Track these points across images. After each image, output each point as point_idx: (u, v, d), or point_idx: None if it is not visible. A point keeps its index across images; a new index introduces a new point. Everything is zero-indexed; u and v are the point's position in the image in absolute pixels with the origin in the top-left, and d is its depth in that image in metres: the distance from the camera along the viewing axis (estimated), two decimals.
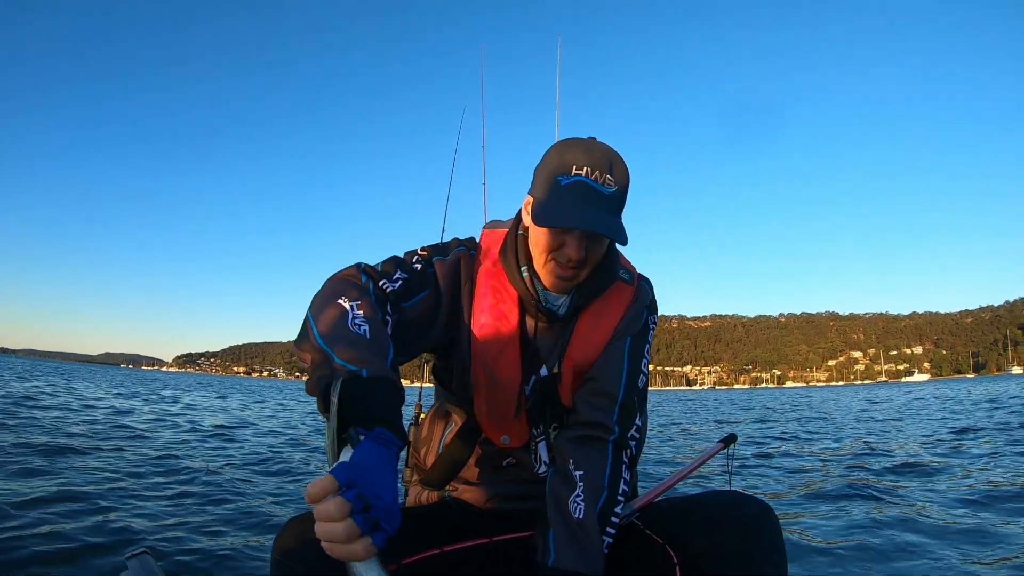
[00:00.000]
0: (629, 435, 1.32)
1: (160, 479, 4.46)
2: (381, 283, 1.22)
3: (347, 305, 1.09)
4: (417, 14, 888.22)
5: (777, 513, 1.17)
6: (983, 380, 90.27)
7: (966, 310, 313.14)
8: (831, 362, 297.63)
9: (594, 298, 1.37)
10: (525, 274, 1.32)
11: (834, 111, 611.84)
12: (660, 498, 1.40)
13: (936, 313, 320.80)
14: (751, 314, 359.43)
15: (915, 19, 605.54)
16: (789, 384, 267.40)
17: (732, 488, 1.80)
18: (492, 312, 1.33)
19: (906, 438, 8.56)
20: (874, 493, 4.55)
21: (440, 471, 1.40)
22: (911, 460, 6.15)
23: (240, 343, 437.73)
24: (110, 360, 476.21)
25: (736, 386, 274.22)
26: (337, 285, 1.15)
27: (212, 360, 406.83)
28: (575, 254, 1.23)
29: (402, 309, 1.24)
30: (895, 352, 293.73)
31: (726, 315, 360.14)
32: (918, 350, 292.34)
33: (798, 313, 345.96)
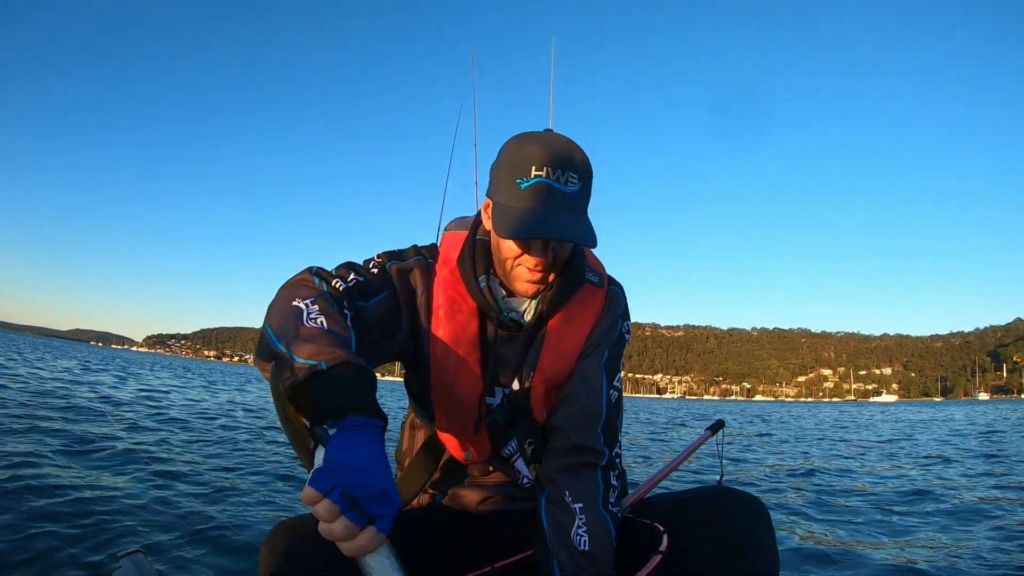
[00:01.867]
0: (614, 454, 1.29)
1: (151, 475, 4.33)
2: (335, 283, 1.15)
3: (301, 304, 1.02)
4: (413, 12, 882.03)
5: (769, 508, 1.17)
6: (950, 404, 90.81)
7: (936, 334, 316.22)
8: (801, 378, 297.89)
9: (561, 305, 1.29)
10: (483, 283, 1.26)
11: (816, 131, 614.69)
12: (652, 493, 1.39)
13: (907, 336, 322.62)
14: (724, 326, 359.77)
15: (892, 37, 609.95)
16: (759, 398, 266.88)
17: (723, 474, 1.84)
18: (450, 324, 1.26)
19: (897, 451, 8.75)
20: (867, 495, 4.65)
21: (406, 485, 1.38)
22: (903, 469, 6.49)
23: (212, 327, 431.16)
24: (79, 336, 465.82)
25: (706, 397, 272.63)
26: (289, 290, 1.10)
27: (183, 342, 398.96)
28: (542, 259, 1.16)
29: (358, 307, 1.17)
30: (864, 372, 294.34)
31: (699, 326, 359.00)
32: (887, 371, 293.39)
33: (771, 328, 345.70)
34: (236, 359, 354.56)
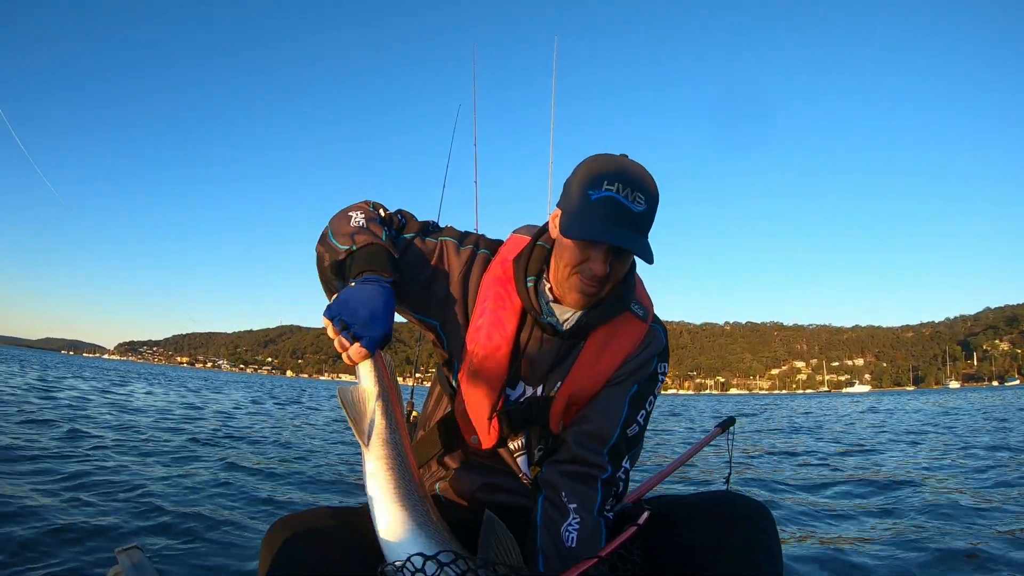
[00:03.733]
0: (618, 475, 1.31)
1: (149, 472, 4.41)
2: (382, 210, 1.40)
3: (351, 212, 1.34)
4: (414, 10, 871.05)
5: (774, 513, 1.16)
6: (922, 393, 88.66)
7: (907, 325, 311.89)
8: (774, 371, 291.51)
9: (601, 323, 1.34)
10: (531, 284, 1.32)
11: (785, 129, 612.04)
12: (655, 492, 1.39)
13: (878, 327, 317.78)
14: (697, 321, 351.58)
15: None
16: (733, 391, 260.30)
17: (731, 473, 1.79)
18: (492, 315, 1.33)
19: (903, 447, 8.24)
20: (873, 497, 4.48)
21: (418, 452, 1.44)
22: (906, 467, 6.15)
23: (184, 333, 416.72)
24: (50, 345, 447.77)
25: (680, 391, 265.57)
26: (349, 207, 1.37)
27: (155, 349, 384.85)
28: (600, 269, 1.22)
29: (394, 234, 1.38)
30: (837, 363, 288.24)
31: (672, 321, 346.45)
32: (859, 362, 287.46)
33: (743, 322, 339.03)
34: (209, 365, 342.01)
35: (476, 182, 2.77)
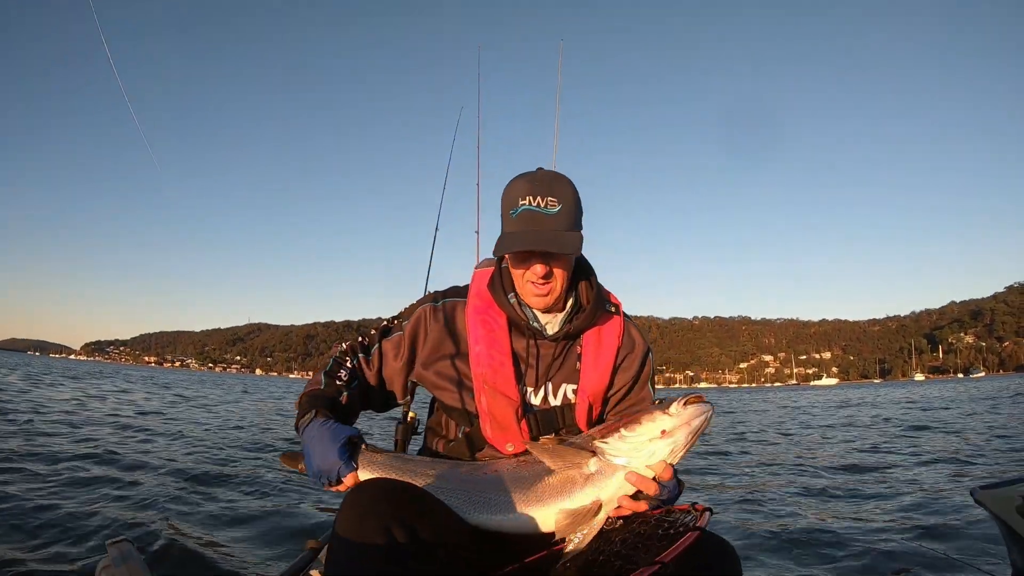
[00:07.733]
0: None
1: (142, 469, 4.47)
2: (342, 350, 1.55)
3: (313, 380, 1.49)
4: (418, 10, 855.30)
5: (739, 550, 1.13)
6: (889, 385, 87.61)
7: (873, 319, 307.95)
8: (743, 365, 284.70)
9: (587, 326, 1.49)
10: (512, 299, 1.46)
11: (752, 120, 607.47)
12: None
13: (845, 321, 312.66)
14: (665, 316, 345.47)
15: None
16: (703, 385, 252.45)
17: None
18: (487, 336, 1.46)
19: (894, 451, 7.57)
20: (845, 526, 3.97)
21: None
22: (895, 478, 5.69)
23: (151, 332, 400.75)
24: (16, 346, 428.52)
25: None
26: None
27: (122, 349, 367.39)
28: (540, 271, 1.36)
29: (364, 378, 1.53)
30: (804, 357, 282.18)
31: (641, 316, 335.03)
32: (827, 355, 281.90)
33: (711, 317, 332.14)
34: (177, 364, 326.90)
35: (479, 184, 2.82)
